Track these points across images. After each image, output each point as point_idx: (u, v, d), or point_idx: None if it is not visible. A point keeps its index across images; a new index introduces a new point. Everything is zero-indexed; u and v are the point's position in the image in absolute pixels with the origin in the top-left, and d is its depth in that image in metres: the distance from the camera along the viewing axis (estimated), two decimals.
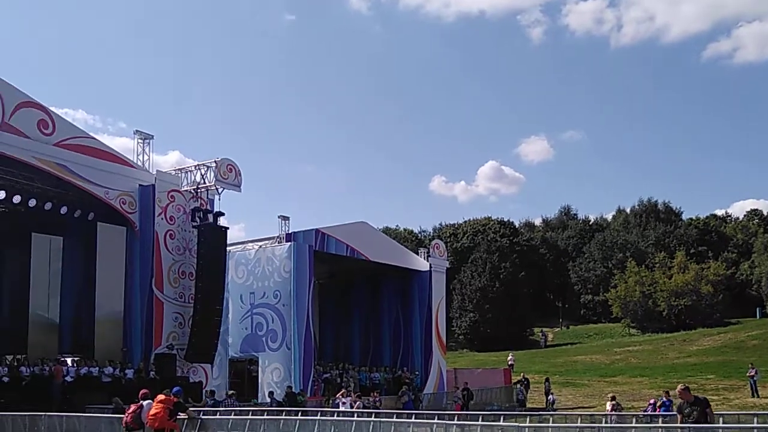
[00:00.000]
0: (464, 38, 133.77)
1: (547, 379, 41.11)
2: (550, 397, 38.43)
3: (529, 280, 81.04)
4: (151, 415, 14.31)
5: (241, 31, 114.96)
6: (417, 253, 42.97)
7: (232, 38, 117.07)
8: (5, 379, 23.88)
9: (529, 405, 39.17)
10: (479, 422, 15.21)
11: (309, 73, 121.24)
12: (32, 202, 26.99)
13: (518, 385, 40.91)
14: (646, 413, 22.19)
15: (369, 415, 17.05)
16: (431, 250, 42.68)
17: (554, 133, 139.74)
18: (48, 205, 27.37)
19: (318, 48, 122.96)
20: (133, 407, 15.01)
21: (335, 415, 17.66)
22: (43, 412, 17.10)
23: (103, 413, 18.45)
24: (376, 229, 44.79)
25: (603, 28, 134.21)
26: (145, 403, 14.86)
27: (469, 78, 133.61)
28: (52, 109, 26.87)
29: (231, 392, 27.82)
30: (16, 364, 25.25)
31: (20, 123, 25.11)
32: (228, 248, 31.27)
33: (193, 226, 29.10)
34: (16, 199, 26.72)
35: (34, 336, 28.70)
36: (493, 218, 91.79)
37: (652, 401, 25.38)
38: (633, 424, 17.56)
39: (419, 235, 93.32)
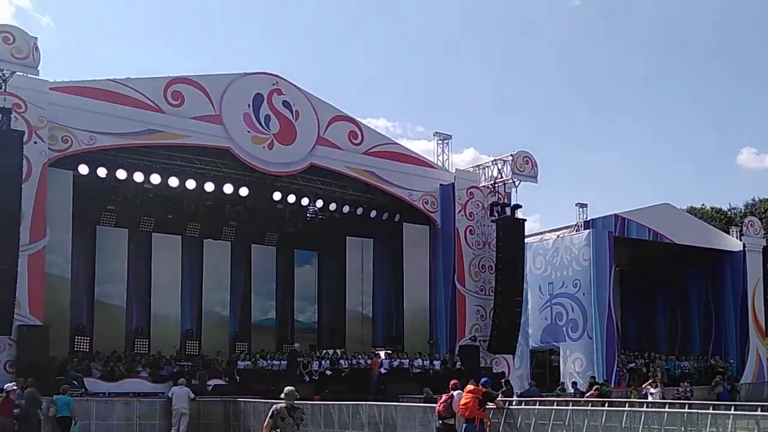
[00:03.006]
0: None
1: None
2: None
3: None
4: (462, 405, 14.79)
5: (529, 20, 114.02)
6: (728, 233, 40.54)
7: (519, 29, 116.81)
8: (328, 372, 26.19)
9: None
10: None
11: (601, 55, 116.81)
12: (346, 209, 29.58)
13: None
14: None
15: (681, 406, 16.42)
16: (745, 228, 39.88)
17: None
18: (359, 210, 29.87)
19: (607, 27, 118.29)
20: (444, 397, 15.50)
21: (644, 405, 17.18)
22: (363, 402, 18.54)
23: (415, 402, 19.57)
24: (680, 210, 42.70)
25: None
26: (455, 393, 15.26)
27: None
28: (358, 119, 29.19)
29: (532, 382, 28.22)
30: (336, 357, 27.59)
31: (334, 136, 27.66)
32: (525, 239, 31.67)
33: (492, 221, 29.91)
34: (332, 206, 29.29)
35: (351, 331, 31.36)
36: None
37: None
38: None
39: (729, 212, 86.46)
